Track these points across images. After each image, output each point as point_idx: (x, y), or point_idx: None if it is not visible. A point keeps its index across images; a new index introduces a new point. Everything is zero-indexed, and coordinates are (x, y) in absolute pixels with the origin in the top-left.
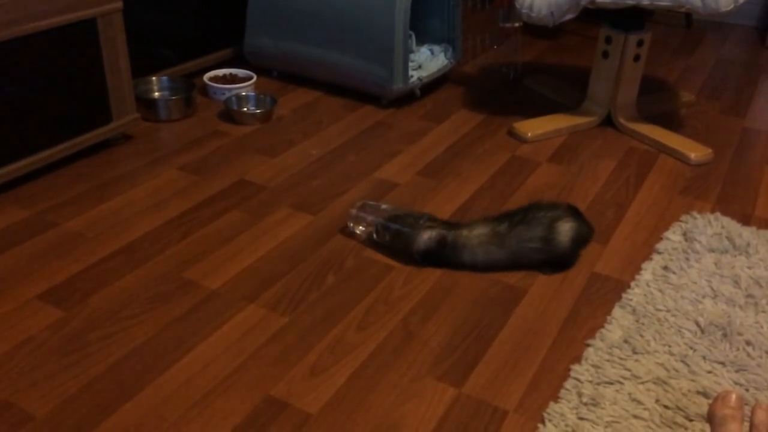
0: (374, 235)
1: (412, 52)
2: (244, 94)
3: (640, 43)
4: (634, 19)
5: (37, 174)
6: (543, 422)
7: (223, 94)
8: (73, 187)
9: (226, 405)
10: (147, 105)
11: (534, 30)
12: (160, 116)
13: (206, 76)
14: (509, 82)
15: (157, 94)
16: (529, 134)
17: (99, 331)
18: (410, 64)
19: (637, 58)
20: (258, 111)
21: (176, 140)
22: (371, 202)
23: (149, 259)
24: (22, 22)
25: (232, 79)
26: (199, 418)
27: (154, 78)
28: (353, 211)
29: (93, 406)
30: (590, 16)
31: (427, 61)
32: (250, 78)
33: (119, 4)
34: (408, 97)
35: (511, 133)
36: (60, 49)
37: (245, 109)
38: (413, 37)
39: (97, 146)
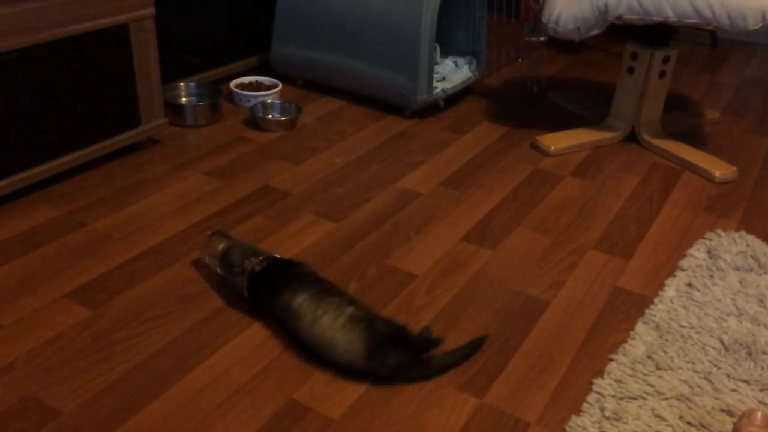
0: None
1: (436, 63)
2: (269, 101)
3: (666, 60)
4: (660, 36)
5: (67, 175)
6: None
7: (249, 101)
8: (102, 189)
9: (249, 407)
10: (174, 110)
11: (558, 45)
12: (187, 121)
13: (232, 83)
14: (533, 96)
15: (184, 99)
16: (552, 148)
17: (125, 331)
18: (434, 75)
19: (662, 74)
20: (283, 118)
21: (202, 145)
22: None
23: (175, 262)
24: (57, 25)
25: (258, 87)
26: (222, 420)
27: (182, 84)
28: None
29: (119, 404)
30: (615, 32)
31: (451, 73)
32: (276, 86)
33: (151, 11)
34: (431, 109)
35: (534, 147)
36: (93, 53)
37: (270, 116)
38: (438, 49)
39: (126, 149)
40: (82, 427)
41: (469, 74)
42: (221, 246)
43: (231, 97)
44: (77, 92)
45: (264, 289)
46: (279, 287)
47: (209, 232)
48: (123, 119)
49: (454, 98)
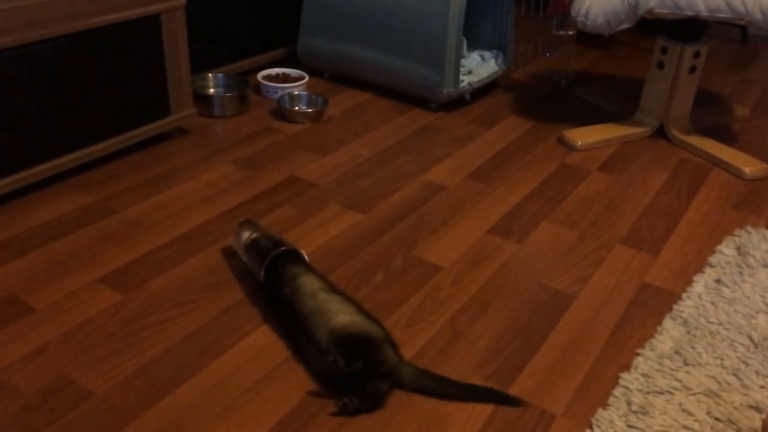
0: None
1: (463, 57)
2: (296, 93)
3: (696, 55)
4: (691, 31)
5: (98, 163)
6: (591, 428)
7: (276, 92)
8: (132, 177)
9: (276, 393)
10: (202, 101)
11: (586, 39)
12: (215, 112)
13: (260, 75)
14: (560, 90)
15: (212, 90)
16: (579, 143)
17: (156, 316)
18: (461, 69)
19: (692, 69)
20: (309, 110)
21: (230, 136)
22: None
23: (203, 249)
24: (91, 15)
25: (285, 79)
26: (249, 405)
27: (210, 75)
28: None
29: (149, 387)
30: (645, 27)
31: (478, 66)
32: (303, 78)
33: (182, 1)
34: (457, 102)
35: (561, 141)
36: (125, 42)
37: (297, 108)
38: (464, 42)
39: (155, 138)
40: (114, 408)
41: (496, 68)
42: (249, 235)
43: (258, 88)
44: (109, 82)
45: (277, 274)
46: (290, 273)
47: (241, 220)
48: (153, 109)
49: (480, 92)
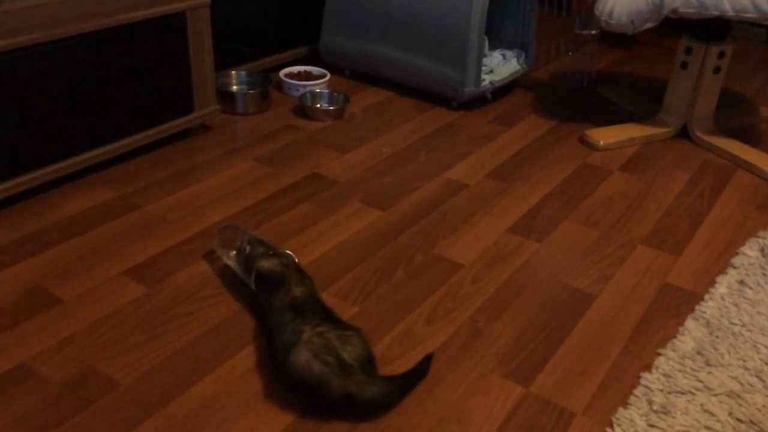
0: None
1: (485, 56)
2: (318, 91)
3: (721, 55)
4: (716, 31)
5: (123, 158)
6: (611, 426)
7: (298, 90)
8: (156, 173)
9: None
10: (226, 98)
11: (609, 39)
12: (238, 109)
13: (282, 73)
14: (582, 90)
15: (235, 87)
16: (601, 142)
17: (179, 308)
18: (482, 68)
19: (717, 70)
20: (331, 108)
21: (252, 133)
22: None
23: None
24: (118, 12)
25: (307, 76)
26: (271, 398)
27: (233, 72)
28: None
29: (173, 378)
30: (668, 27)
31: (499, 65)
32: (324, 76)
33: None
34: (478, 101)
35: (583, 141)
36: (151, 39)
37: (318, 105)
38: (486, 41)
39: (179, 135)
40: (139, 398)
41: (518, 67)
42: (242, 241)
43: (280, 86)
44: (135, 78)
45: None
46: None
47: (223, 225)
48: (177, 105)
49: (501, 91)
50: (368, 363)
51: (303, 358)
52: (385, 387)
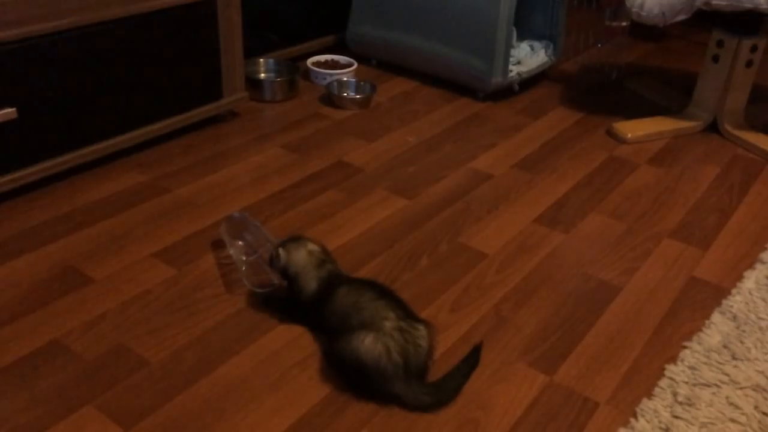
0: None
1: (512, 47)
2: (345, 79)
3: (753, 49)
4: (748, 24)
5: (154, 142)
6: (635, 417)
7: (325, 78)
8: (185, 158)
9: (324, 368)
10: (253, 85)
11: (638, 31)
12: (265, 96)
13: (309, 61)
14: (611, 82)
15: (263, 75)
16: (629, 135)
17: (208, 290)
18: (510, 59)
19: (749, 63)
20: (357, 97)
21: (279, 120)
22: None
23: None
24: None
25: (334, 65)
26: (296, 380)
27: (261, 60)
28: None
29: (202, 358)
30: (700, 19)
31: (527, 57)
32: (351, 65)
33: None
34: (505, 92)
35: (610, 133)
36: (182, 26)
37: (345, 94)
38: (515, 32)
39: (207, 121)
40: (168, 376)
41: (545, 59)
42: (269, 250)
43: (307, 74)
44: (166, 64)
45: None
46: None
47: (231, 213)
48: (206, 92)
49: (528, 82)
50: (426, 370)
51: (377, 349)
52: (434, 398)
